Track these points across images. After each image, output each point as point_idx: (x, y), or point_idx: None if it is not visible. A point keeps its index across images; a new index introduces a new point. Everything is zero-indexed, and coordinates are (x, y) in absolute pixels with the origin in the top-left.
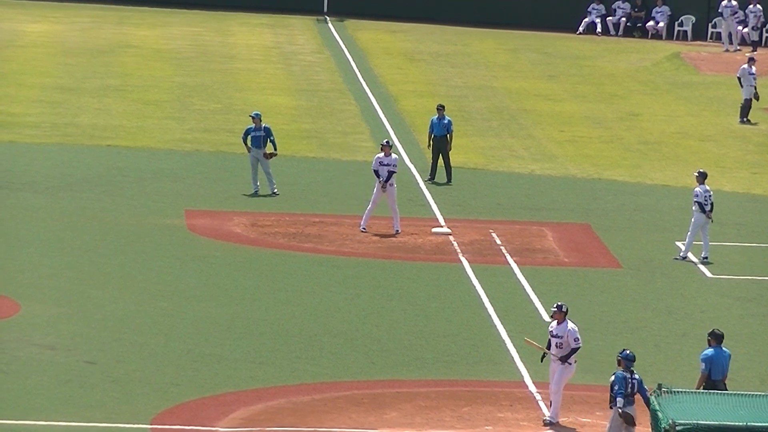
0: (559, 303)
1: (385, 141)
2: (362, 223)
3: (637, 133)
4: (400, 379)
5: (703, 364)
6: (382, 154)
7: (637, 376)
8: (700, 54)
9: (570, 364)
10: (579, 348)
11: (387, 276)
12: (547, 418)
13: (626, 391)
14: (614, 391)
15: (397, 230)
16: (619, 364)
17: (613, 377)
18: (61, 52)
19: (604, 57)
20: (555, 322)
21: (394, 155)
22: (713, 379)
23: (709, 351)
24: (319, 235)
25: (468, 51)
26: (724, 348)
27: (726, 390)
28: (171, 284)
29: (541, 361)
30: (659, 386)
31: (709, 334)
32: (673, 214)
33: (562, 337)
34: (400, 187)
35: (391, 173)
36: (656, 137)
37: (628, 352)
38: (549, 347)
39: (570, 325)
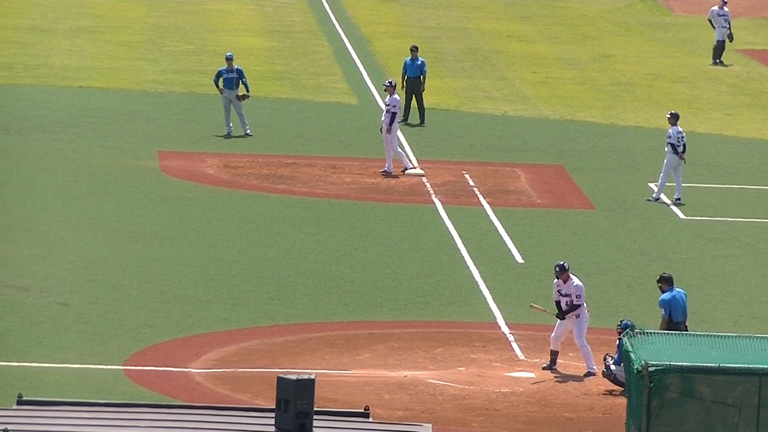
0: (560, 262)
1: (387, 81)
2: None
3: (609, 75)
4: (373, 320)
5: (663, 309)
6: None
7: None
8: None
9: (578, 316)
10: (579, 306)
11: (360, 217)
12: (588, 370)
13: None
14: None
15: (384, 170)
16: (620, 334)
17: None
18: None
19: None
20: (560, 281)
21: (395, 96)
22: (675, 321)
23: (666, 294)
24: (292, 176)
25: None
26: (678, 289)
27: (687, 331)
28: (144, 226)
29: (557, 317)
30: (632, 327)
31: (659, 280)
32: (645, 156)
33: (569, 295)
34: (374, 128)
35: (391, 114)
36: (629, 78)
37: (627, 321)
38: (559, 307)
39: (575, 281)
